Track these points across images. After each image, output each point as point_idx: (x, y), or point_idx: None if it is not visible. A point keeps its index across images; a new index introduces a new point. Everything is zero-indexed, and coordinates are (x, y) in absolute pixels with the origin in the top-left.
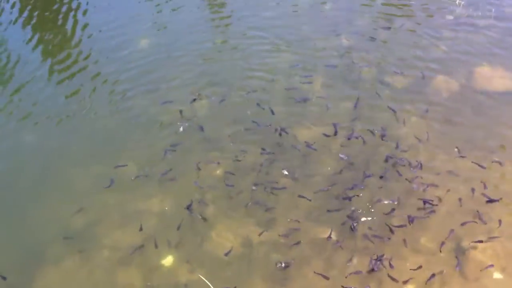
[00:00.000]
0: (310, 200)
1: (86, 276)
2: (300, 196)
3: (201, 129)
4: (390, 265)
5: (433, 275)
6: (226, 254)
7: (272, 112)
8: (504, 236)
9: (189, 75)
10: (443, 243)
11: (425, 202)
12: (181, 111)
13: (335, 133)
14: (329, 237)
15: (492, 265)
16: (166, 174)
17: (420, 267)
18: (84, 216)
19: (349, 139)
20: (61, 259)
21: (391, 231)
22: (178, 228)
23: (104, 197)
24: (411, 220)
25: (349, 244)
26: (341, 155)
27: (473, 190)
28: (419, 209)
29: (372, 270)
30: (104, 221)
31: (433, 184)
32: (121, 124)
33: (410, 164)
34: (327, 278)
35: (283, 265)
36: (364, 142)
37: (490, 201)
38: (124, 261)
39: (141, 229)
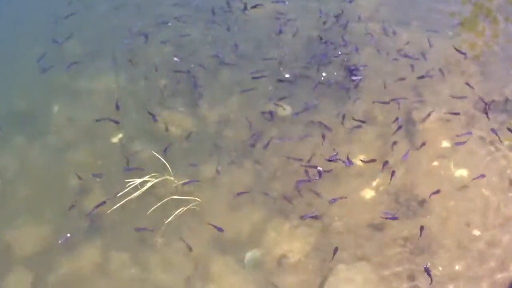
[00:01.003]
0: (234, 65)
1: (35, 157)
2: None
3: None
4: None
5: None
6: (165, 150)
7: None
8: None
9: None
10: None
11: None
12: None
13: (282, 30)
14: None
15: (470, 133)
16: (117, 50)
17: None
18: (28, 98)
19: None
20: (6, 142)
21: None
22: (135, 111)
23: (49, 77)
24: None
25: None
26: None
27: (423, 59)
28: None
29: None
30: (50, 101)
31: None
32: None
33: (370, 35)
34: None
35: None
36: (318, 19)
37: (424, 76)
38: (74, 140)
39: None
